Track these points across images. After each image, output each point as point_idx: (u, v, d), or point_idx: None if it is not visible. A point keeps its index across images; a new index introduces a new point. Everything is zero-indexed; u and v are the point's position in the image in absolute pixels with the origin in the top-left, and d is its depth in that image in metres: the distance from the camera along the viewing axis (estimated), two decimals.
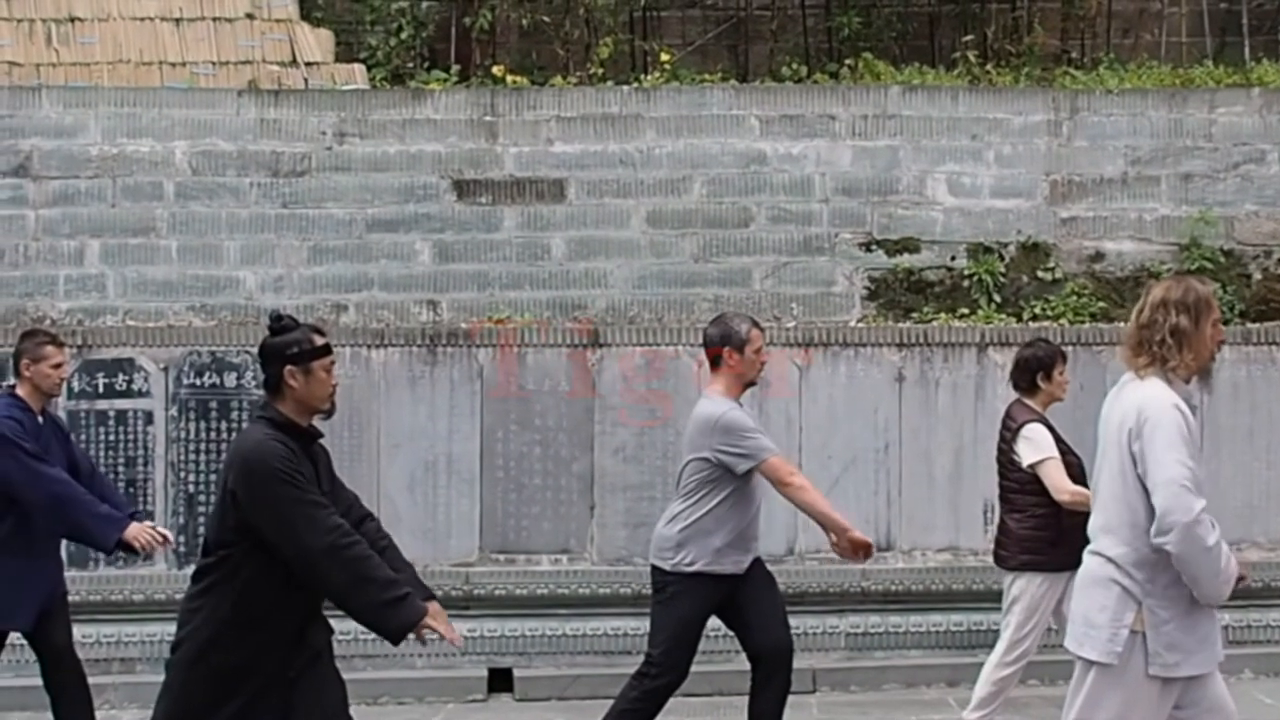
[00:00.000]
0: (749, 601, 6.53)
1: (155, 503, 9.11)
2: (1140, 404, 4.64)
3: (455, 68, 10.83)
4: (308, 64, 10.50)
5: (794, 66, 11.07)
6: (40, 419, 6.88)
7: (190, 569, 5.30)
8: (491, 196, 9.93)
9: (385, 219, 9.89)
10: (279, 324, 5.04)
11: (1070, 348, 8.45)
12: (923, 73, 10.76)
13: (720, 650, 7.98)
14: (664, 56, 10.92)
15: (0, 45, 10.44)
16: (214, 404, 9.28)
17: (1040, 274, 9.98)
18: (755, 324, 6.66)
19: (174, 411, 9.28)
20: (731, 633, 6.67)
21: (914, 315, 9.86)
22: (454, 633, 4.93)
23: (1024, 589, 7.07)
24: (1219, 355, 6.52)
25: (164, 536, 6.80)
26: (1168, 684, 4.63)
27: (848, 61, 11.09)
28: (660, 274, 9.90)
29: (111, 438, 9.21)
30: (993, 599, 7.88)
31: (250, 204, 9.84)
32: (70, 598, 7.15)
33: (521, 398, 9.37)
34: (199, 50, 10.50)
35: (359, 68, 10.74)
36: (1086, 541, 4.85)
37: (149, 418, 9.27)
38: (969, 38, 11.18)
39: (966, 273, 9.95)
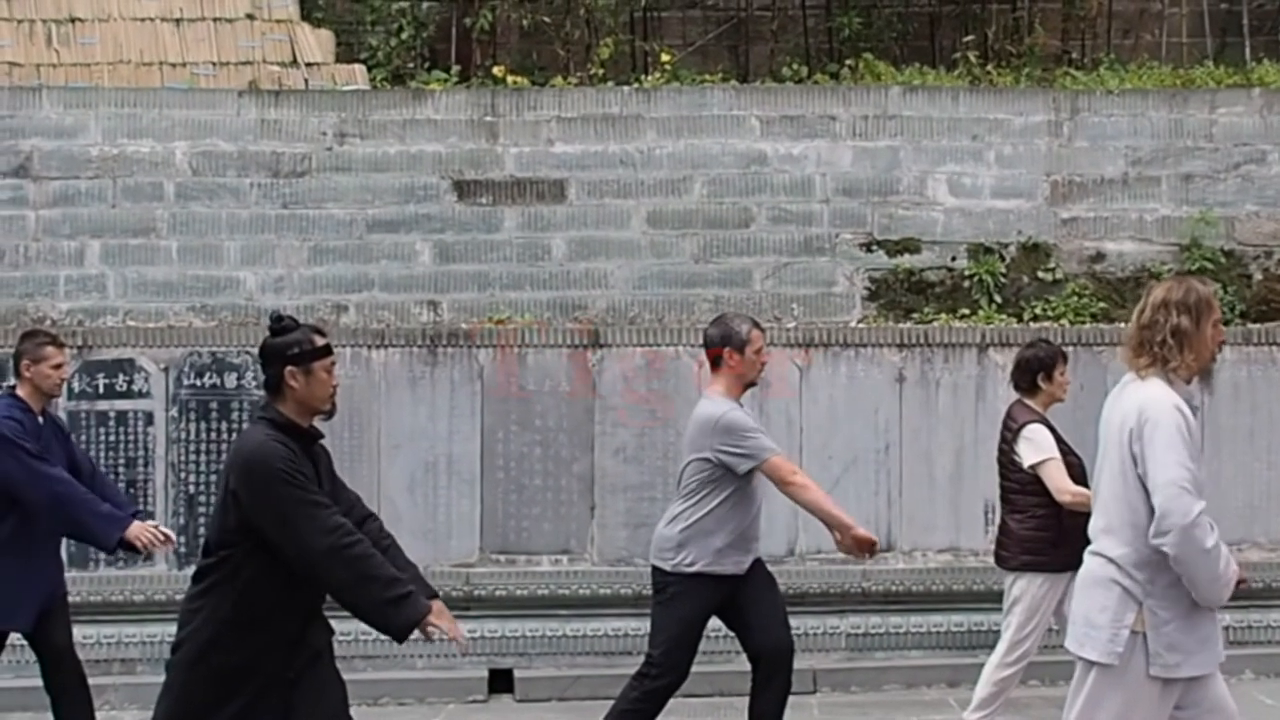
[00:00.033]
0: (750, 602, 6.53)
1: (155, 503, 9.11)
2: (1141, 404, 4.64)
3: (456, 68, 10.83)
4: (308, 64, 10.50)
5: (794, 67, 11.07)
6: (40, 419, 6.88)
7: (190, 570, 5.30)
8: (492, 197, 9.93)
9: (386, 219, 9.89)
10: (279, 324, 5.04)
11: (1071, 348, 8.45)
12: (923, 73, 10.76)
13: (721, 651, 7.98)
14: (664, 57, 10.92)
15: (1, 46, 10.44)
16: (214, 404, 9.28)
17: (1041, 274, 9.98)
18: (756, 324, 6.66)
19: (174, 412, 9.28)
20: (732, 633, 6.67)
21: (914, 316, 9.86)
22: (458, 630, 4.94)
23: (1025, 589, 7.07)
24: (1220, 356, 6.55)
25: (165, 536, 6.79)
26: (1168, 685, 4.63)
27: (848, 62, 11.09)
28: (661, 274, 9.90)
29: (112, 438, 9.21)
30: (993, 600, 7.88)
31: (251, 204, 9.84)
32: (70, 598, 7.15)
33: (522, 398, 9.37)
34: (199, 51, 10.49)
35: (359, 68, 10.74)
36: (1087, 542, 4.85)
37: (149, 418, 9.27)
38: (969, 38, 11.18)
39: (967, 273, 9.95)
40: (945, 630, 9.24)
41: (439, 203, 9.91)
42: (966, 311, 9.84)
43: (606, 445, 9.37)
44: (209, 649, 4.88)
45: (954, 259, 9.99)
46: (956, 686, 8.71)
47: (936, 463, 9.42)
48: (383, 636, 8.41)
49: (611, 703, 6.59)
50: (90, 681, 7.05)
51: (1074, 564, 5.15)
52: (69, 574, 7.46)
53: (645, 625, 6.86)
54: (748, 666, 6.62)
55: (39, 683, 6.99)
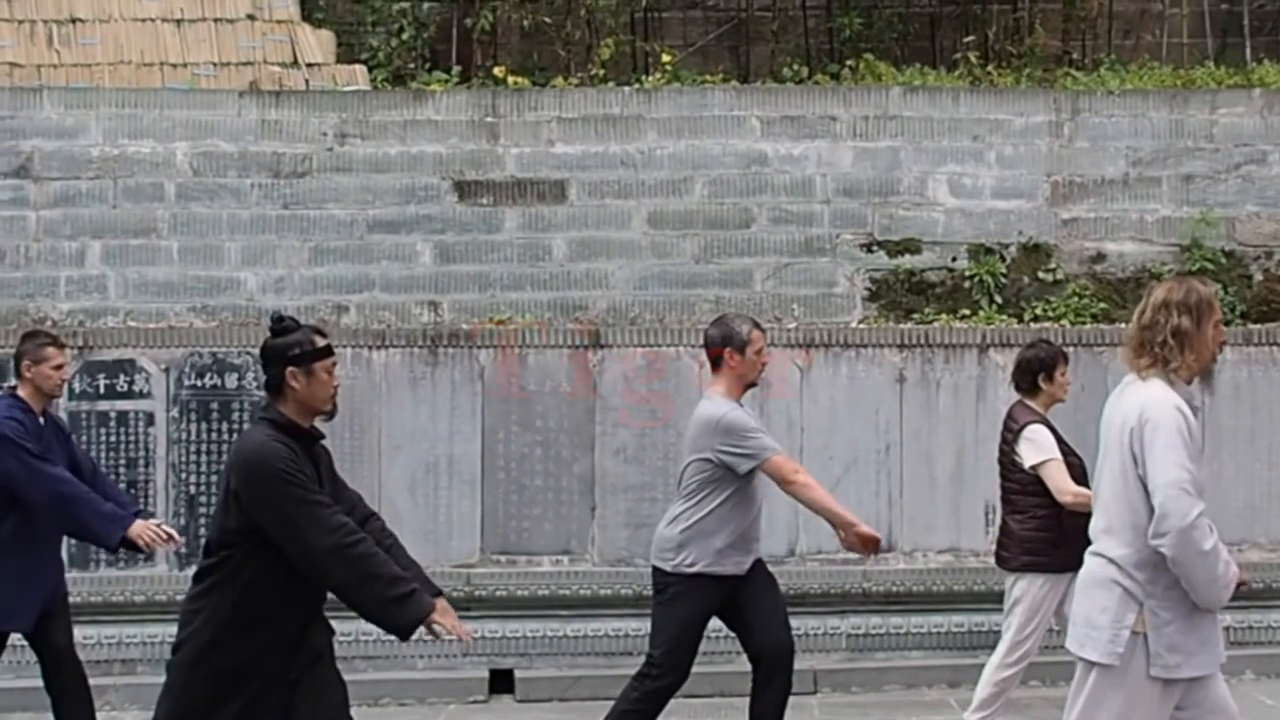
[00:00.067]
0: (750, 602, 6.53)
1: (156, 504, 9.11)
2: (1142, 405, 4.64)
3: (456, 69, 10.84)
4: (309, 65, 10.50)
5: (795, 67, 11.08)
6: (41, 420, 6.88)
7: (191, 570, 5.30)
8: (493, 197, 9.93)
9: (386, 220, 9.89)
10: (280, 325, 5.05)
11: (1071, 349, 8.44)
12: (924, 74, 10.76)
13: (721, 651, 7.97)
14: (665, 57, 10.92)
15: (1, 46, 10.44)
16: (215, 405, 9.29)
17: (1041, 275, 9.98)
18: (756, 325, 6.66)
19: (175, 413, 9.28)
20: (732, 634, 6.67)
21: (915, 316, 9.86)
22: (462, 628, 4.94)
23: (1026, 590, 7.07)
24: (1220, 356, 6.54)
25: (168, 534, 6.78)
26: (1169, 685, 4.63)
27: (849, 62, 11.09)
28: (661, 275, 9.90)
29: (112, 439, 9.21)
30: (994, 600, 7.88)
31: (251, 205, 9.85)
32: (71, 599, 7.16)
33: (523, 399, 9.37)
34: (200, 51, 10.49)
35: (360, 69, 10.74)
36: (1088, 543, 4.85)
37: (150, 419, 9.27)
38: (970, 39, 11.18)
39: (968, 274, 9.95)
40: (946, 631, 9.25)
41: (440, 203, 9.91)
42: (967, 312, 9.84)
43: (607, 446, 9.37)
44: (210, 649, 4.88)
45: (954, 259, 9.99)
46: (957, 687, 8.71)
47: (937, 463, 9.42)
48: (384, 637, 8.44)
49: (612, 703, 6.59)
50: (91, 682, 7.05)
51: (1075, 565, 5.15)
52: (69, 574, 7.47)
53: (646, 626, 6.86)
54: (748, 667, 6.62)
55: (40, 683, 6.99)
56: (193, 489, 9.25)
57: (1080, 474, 6.96)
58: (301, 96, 10.05)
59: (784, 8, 12.00)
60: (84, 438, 8.96)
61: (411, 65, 11.29)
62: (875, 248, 9.97)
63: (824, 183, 9.96)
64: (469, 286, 9.87)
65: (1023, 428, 7.11)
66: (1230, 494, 9.28)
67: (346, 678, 5.16)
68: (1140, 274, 9.91)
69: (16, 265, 9.74)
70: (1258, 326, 9.71)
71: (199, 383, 9.29)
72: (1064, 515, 6.90)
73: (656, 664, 6.47)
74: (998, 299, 9.90)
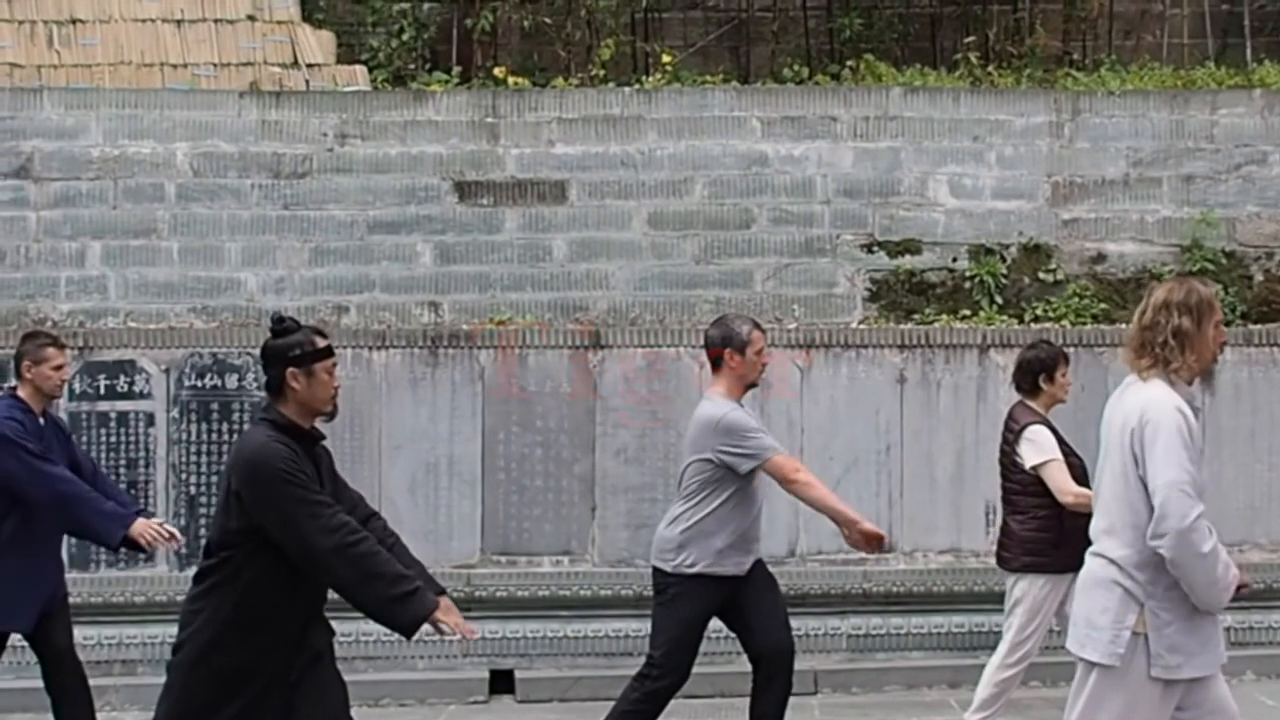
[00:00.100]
0: (750, 603, 6.53)
1: (156, 504, 9.11)
2: (1143, 406, 4.64)
3: (457, 69, 10.84)
4: (309, 65, 10.50)
5: (795, 68, 11.08)
6: (41, 420, 6.88)
7: (191, 570, 5.31)
8: (493, 198, 9.93)
9: (386, 220, 9.89)
10: (281, 326, 5.05)
11: (1072, 349, 8.42)
12: (924, 74, 10.75)
13: (722, 652, 7.97)
14: (665, 58, 10.92)
15: (2, 47, 10.44)
16: (215, 406, 9.29)
17: (1042, 275, 9.98)
18: (756, 325, 6.66)
19: (175, 413, 9.28)
20: (733, 634, 6.67)
21: (915, 317, 9.85)
22: (465, 625, 4.94)
23: (1026, 590, 7.07)
24: (1221, 357, 6.54)
25: (170, 533, 6.77)
26: (1170, 686, 4.63)
27: (849, 63, 11.09)
28: (661, 275, 9.90)
29: (113, 439, 9.21)
30: (994, 600, 7.88)
31: (251, 205, 9.84)
32: (71, 599, 7.15)
33: (523, 399, 9.37)
34: (200, 52, 10.49)
35: (360, 69, 10.74)
36: (1089, 543, 4.85)
37: (150, 419, 9.27)
38: (970, 39, 11.18)
39: (968, 274, 9.95)
40: (946, 631, 9.25)
41: (440, 204, 9.91)
42: (967, 312, 9.84)
43: (607, 446, 9.37)
44: (210, 650, 4.88)
45: (955, 260, 9.99)
46: (958, 687, 8.71)
47: (937, 464, 9.42)
48: (384, 637, 8.44)
49: (612, 704, 6.59)
50: (91, 682, 7.05)
51: (1075, 565, 5.14)
52: (70, 575, 7.47)
53: (646, 626, 6.86)
54: (749, 667, 6.62)
55: (40, 684, 6.99)
56: (193, 489, 9.25)
57: (1081, 474, 6.96)
58: (302, 97, 10.05)
59: (784, 8, 11.99)
60: (84, 438, 8.96)
61: (412, 66, 11.29)
62: (876, 248, 9.97)
63: (824, 183, 9.96)
64: (469, 287, 9.87)
65: (1023, 428, 7.11)
66: (1230, 494, 9.28)
67: (347, 678, 5.17)
68: (1141, 274, 9.91)
69: (17, 266, 9.74)
70: (1258, 327, 9.71)
71: (199, 383, 9.29)
72: (1065, 516, 6.90)
73: (657, 664, 6.47)
74: (998, 299, 9.89)
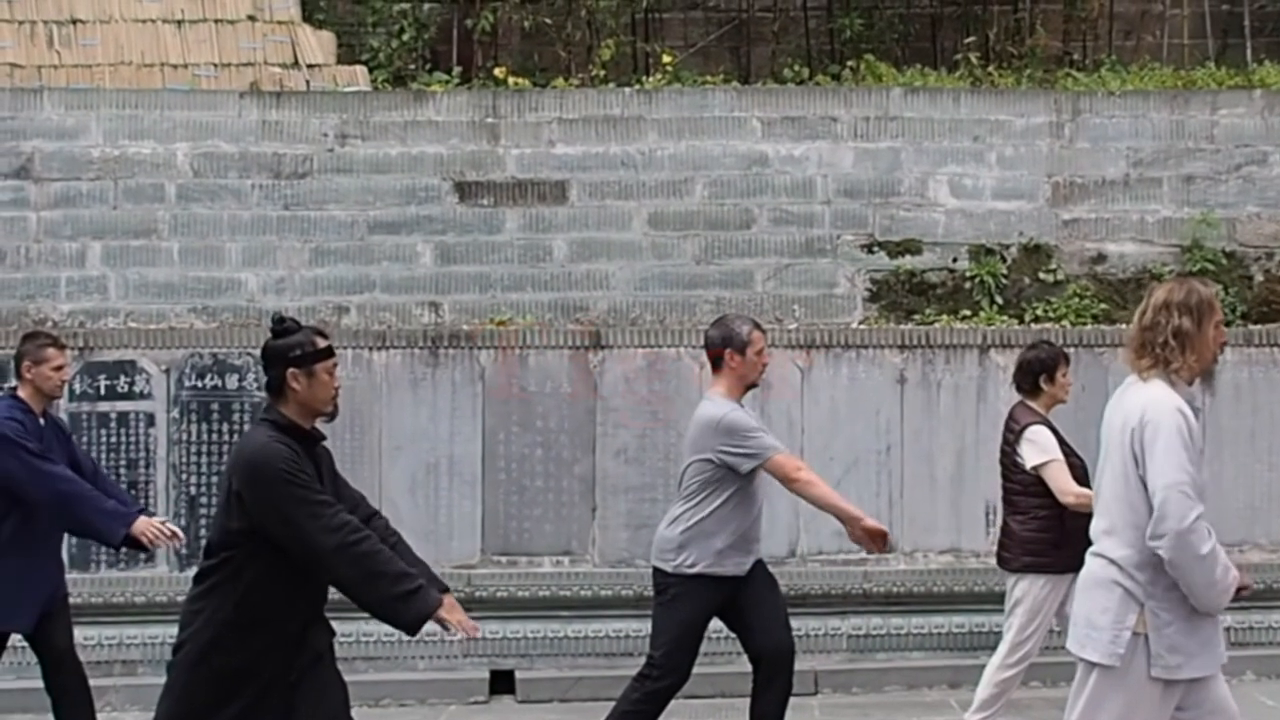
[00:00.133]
0: (750, 603, 6.53)
1: (157, 505, 9.11)
2: (1144, 406, 4.64)
3: (457, 69, 10.84)
4: (309, 66, 10.50)
5: (796, 68, 11.08)
6: (42, 421, 6.88)
7: (191, 571, 5.31)
8: (493, 198, 9.93)
9: (387, 221, 9.89)
10: (281, 326, 5.05)
11: (1072, 349, 8.42)
12: (924, 74, 10.75)
13: (722, 652, 7.97)
14: (666, 58, 10.92)
15: (2, 47, 10.45)
16: (215, 406, 9.29)
17: (1042, 276, 9.98)
18: (757, 325, 6.66)
19: (175, 413, 9.28)
20: (733, 634, 6.67)
21: (916, 317, 9.85)
22: (469, 623, 4.95)
23: (1027, 591, 7.07)
24: (1221, 357, 6.54)
25: (172, 531, 6.76)
26: (1170, 686, 4.63)
27: (849, 63, 11.09)
28: (662, 276, 9.90)
29: (113, 440, 9.21)
30: (994, 601, 7.88)
31: (252, 206, 9.85)
32: (71, 600, 7.15)
33: (523, 399, 9.37)
34: (201, 52, 10.49)
35: (361, 69, 10.74)
36: (1089, 543, 4.85)
37: (150, 420, 9.27)
38: (971, 39, 11.18)
39: (968, 274, 9.95)
40: (946, 631, 9.25)
41: (440, 204, 9.91)
42: (968, 313, 9.84)
43: (608, 446, 9.37)
44: (210, 650, 4.89)
45: (955, 260, 9.99)
46: (958, 688, 8.71)
47: (938, 464, 9.42)
48: (384, 638, 8.44)
49: (613, 704, 6.59)
50: (91, 683, 7.05)
51: (1076, 565, 5.14)
52: (70, 575, 7.47)
53: (646, 626, 6.86)
54: (749, 668, 6.62)
55: (40, 684, 6.99)
56: (193, 490, 9.25)
57: (1082, 475, 6.96)
58: (302, 97, 10.05)
59: (785, 8, 12.00)
60: (84, 439, 8.96)
61: (412, 66, 11.29)
62: (876, 248, 9.97)
63: (825, 183, 9.96)
64: (469, 287, 9.87)
65: (1024, 429, 7.11)
66: (1231, 495, 9.28)
67: (347, 678, 5.17)
68: (1141, 275, 9.91)
69: (17, 266, 9.74)
70: (1258, 327, 9.71)
71: (199, 384, 9.29)
72: (1065, 516, 6.90)
73: (657, 665, 6.47)
74: (998, 300, 9.89)
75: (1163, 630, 4.59)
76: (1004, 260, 9.98)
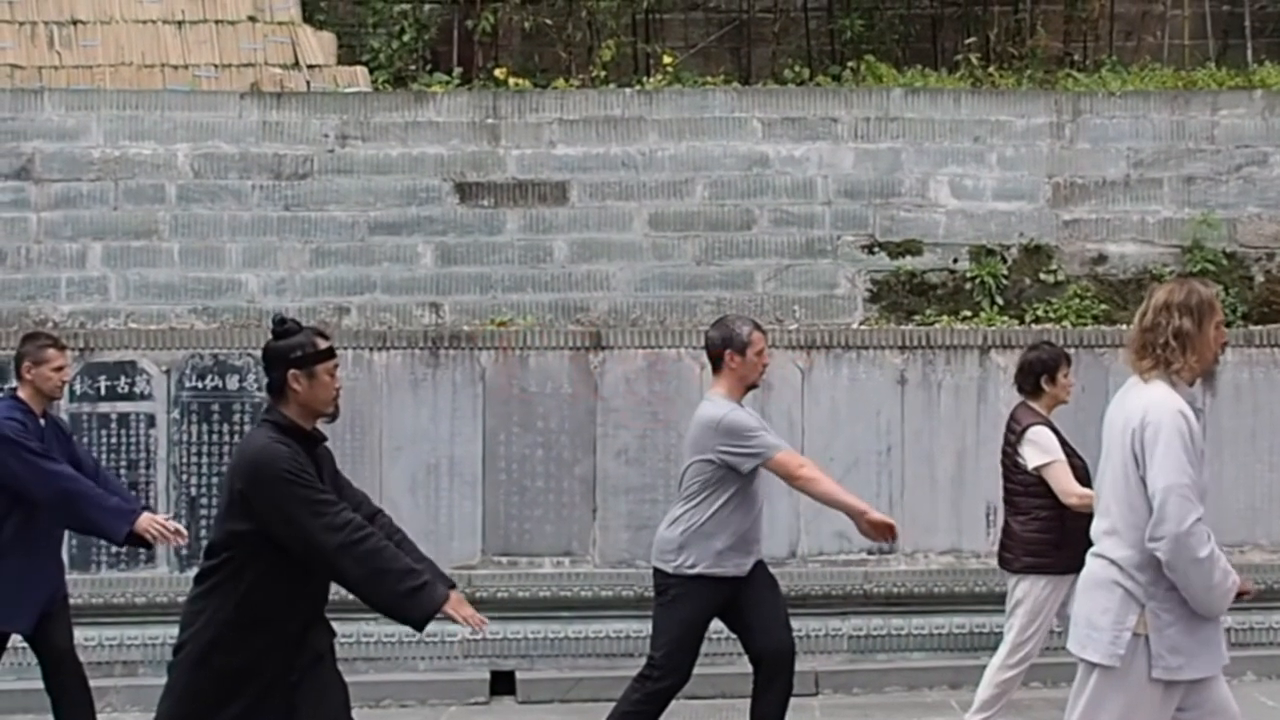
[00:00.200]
0: (751, 604, 6.53)
1: (157, 505, 9.09)
2: (1145, 407, 4.63)
3: (457, 70, 10.84)
4: (310, 66, 10.50)
5: (796, 69, 11.08)
6: (42, 422, 6.88)
7: (192, 572, 5.31)
8: (494, 199, 9.93)
9: (387, 221, 9.89)
10: (282, 327, 5.05)
11: (1072, 350, 8.41)
12: (925, 75, 10.76)
13: (722, 653, 7.97)
14: (666, 59, 10.93)
15: (2, 48, 10.45)
16: (216, 407, 9.29)
17: (1043, 276, 9.98)
18: (757, 326, 6.67)
19: (176, 414, 9.28)
20: (733, 635, 6.67)
21: (916, 318, 9.85)
22: (477, 617, 4.95)
23: (1028, 591, 7.07)
24: (1222, 358, 6.54)
25: (175, 528, 6.75)
26: (1170, 687, 4.62)
27: (850, 64, 11.10)
28: (662, 276, 9.90)
29: (113, 440, 9.21)
30: (995, 601, 7.88)
31: (252, 206, 9.85)
32: (71, 600, 7.16)
33: (524, 400, 9.37)
34: (201, 53, 10.49)
35: (361, 70, 10.74)
36: (1090, 544, 4.84)
37: (151, 420, 9.27)
38: (971, 40, 11.19)
39: (969, 275, 9.95)
40: (947, 632, 9.24)
41: (441, 205, 9.91)
42: (968, 313, 9.84)
43: (608, 447, 9.37)
44: (211, 650, 4.89)
45: (956, 261, 9.99)
46: (958, 688, 8.70)
47: (938, 465, 9.41)
48: (385, 638, 8.43)
49: (613, 704, 6.59)
50: (91, 684, 7.05)
51: (1077, 566, 5.14)
52: (70, 576, 7.48)
53: (647, 627, 6.86)
54: (749, 668, 6.62)
55: (40, 685, 6.99)
56: (194, 490, 9.25)
57: (1083, 475, 6.95)
58: (303, 98, 10.05)
59: (785, 9, 12.00)
60: (85, 439, 8.96)
61: (412, 67, 11.30)
62: (876, 249, 9.97)
63: (825, 184, 9.96)
64: (470, 288, 9.87)
65: (1025, 429, 7.11)
66: (1231, 495, 9.28)
67: (348, 679, 5.17)
68: (1141, 275, 9.91)
69: (17, 267, 9.74)
70: (1259, 328, 9.71)
71: (200, 384, 9.29)
72: (1066, 517, 6.90)
73: (658, 665, 6.47)
74: (999, 300, 9.89)
75: (1164, 631, 4.59)
76: (1004, 261, 9.98)
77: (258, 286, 9.81)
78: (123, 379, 9.26)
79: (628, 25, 11.55)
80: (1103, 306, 9.87)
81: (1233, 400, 9.46)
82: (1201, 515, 4.53)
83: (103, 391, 9.24)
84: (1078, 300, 9.87)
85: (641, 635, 8.09)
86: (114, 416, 9.24)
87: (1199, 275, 9.24)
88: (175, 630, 5.04)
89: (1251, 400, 9.49)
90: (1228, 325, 7.12)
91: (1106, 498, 4.77)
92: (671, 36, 11.95)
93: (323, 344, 5.05)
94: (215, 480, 9.06)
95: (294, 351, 4.98)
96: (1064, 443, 7.11)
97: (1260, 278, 10.04)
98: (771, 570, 6.77)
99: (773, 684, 6.50)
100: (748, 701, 6.63)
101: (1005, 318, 9.80)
